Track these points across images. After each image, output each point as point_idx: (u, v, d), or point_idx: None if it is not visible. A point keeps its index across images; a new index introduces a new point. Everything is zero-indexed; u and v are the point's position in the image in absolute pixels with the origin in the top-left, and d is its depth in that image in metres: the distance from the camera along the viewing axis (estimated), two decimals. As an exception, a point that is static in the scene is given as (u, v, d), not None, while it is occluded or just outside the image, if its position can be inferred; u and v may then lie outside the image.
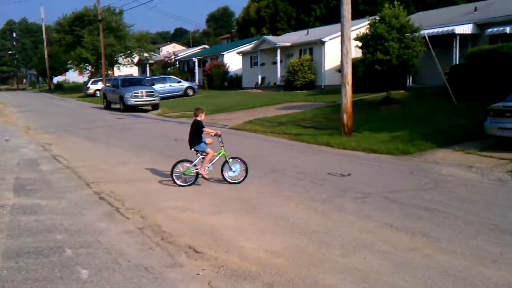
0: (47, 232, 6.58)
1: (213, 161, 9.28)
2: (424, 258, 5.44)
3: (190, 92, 38.02)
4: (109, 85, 33.46)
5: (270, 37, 40.33)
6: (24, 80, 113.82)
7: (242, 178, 9.30)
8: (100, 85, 43.55)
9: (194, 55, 54.63)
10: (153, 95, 28.69)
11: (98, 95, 43.10)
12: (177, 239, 6.26)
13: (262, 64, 39.21)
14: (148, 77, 43.62)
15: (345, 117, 14.75)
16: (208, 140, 9.41)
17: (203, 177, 9.27)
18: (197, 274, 5.20)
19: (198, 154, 9.23)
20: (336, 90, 20.26)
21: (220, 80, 43.73)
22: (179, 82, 38.53)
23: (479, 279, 4.85)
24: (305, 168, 10.64)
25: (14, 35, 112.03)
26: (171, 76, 40.89)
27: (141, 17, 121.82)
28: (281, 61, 36.95)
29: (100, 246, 6.05)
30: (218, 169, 9.36)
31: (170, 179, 9.25)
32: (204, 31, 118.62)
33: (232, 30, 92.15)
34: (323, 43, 32.87)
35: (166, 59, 55.46)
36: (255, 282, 4.96)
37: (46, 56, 72.82)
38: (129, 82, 31.06)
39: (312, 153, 12.82)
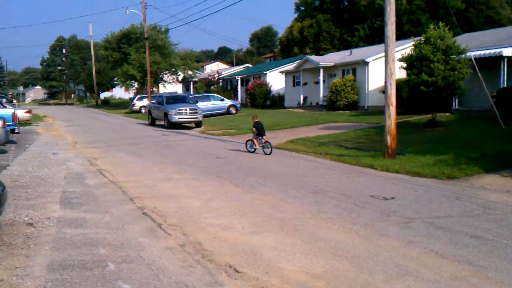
0: (91, 246, 6.70)
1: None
2: (471, 287, 5.26)
3: (233, 110, 38.38)
4: (154, 102, 34.17)
5: (313, 57, 40.40)
6: (73, 95, 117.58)
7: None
8: (145, 102, 44.50)
9: (237, 73, 55.18)
10: (196, 113, 29.12)
11: (143, 111, 43.99)
12: (217, 258, 6.28)
13: (305, 84, 39.24)
14: (192, 94, 44.28)
15: (388, 139, 14.55)
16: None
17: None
18: (237, 294, 5.18)
19: (261, 138, 16.81)
20: (380, 111, 20.07)
21: (262, 99, 43.99)
22: (222, 100, 38.96)
23: (530, 312, 4.65)
24: (347, 190, 10.52)
25: (64, 51, 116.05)
26: (214, 94, 41.40)
27: (186, 35, 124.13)
28: (323, 81, 36.90)
29: (142, 262, 6.11)
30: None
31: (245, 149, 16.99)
32: (248, 50, 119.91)
33: (275, 50, 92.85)
34: (366, 63, 32.70)
35: (209, 77, 56.23)
36: (296, 305, 4.90)
37: (94, 72, 75.07)
38: (174, 99, 31.63)
39: (354, 174, 12.68)
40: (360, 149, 16.68)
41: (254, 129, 17.02)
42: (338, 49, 52.14)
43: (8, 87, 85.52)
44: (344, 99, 32.91)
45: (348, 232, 7.36)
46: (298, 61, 41.11)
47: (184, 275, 5.67)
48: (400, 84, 21.34)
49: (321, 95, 36.73)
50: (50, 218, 8.11)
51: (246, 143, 17.61)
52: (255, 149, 17.02)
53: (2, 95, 47.31)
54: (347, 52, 40.91)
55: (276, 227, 7.70)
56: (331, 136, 20.52)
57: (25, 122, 31.35)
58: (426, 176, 11.99)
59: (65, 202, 9.39)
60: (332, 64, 36.44)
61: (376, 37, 52.77)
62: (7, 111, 22.35)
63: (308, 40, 58.63)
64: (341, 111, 32.42)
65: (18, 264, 5.92)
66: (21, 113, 29.77)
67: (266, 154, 16.46)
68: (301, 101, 39.33)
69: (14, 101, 47.14)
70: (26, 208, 8.77)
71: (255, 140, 16.99)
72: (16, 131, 22.31)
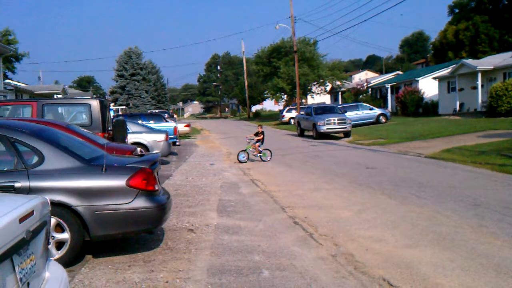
0: (246, 252, 6.96)
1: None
2: None
3: (383, 119, 37.51)
4: (303, 113, 34.69)
5: (470, 61, 38.04)
6: (226, 109, 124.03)
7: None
8: (294, 113, 45.41)
9: (387, 81, 53.86)
10: (345, 123, 28.96)
11: (292, 122, 44.88)
12: (370, 270, 6.15)
13: (461, 89, 37.05)
14: (340, 104, 44.16)
15: (560, 147, 13.14)
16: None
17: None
18: (392, 308, 5.03)
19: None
20: (549, 116, 18.19)
21: (414, 107, 42.36)
22: (371, 109, 38.29)
23: None
24: (511, 203, 9.68)
25: (218, 68, 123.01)
26: (363, 103, 40.83)
27: (334, 46, 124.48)
28: (482, 85, 34.54)
29: (295, 270, 6.20)
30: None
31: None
32: (398, 57, 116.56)
33: (427, 55, 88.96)
34: (532, 65, 29.95)
35: (358, 87, 55.62)
36: (456, 324, 4.61)
37: (246, 87, 78.42)
38: (322, 110, 31.84)
39: (520, 186, 11.63)
40: (526, 159, 15.27)
41: (260, 137, 18.77)
42: (498, 52, 48.40)
43: (169, 103, 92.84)
44: (506, 104, 30.43)
45: (514, 249, 6.76)
46: (453, 66, 39.00)
47: (336, 286, 5.64)
48: None
49: (479, 101, 34.40)
50: (209, 225, 8.59)
51: (238, 154, 18.45)
52: (248, 159, 18.42)
53: (165, 110, 51.46)
54: (508, 54, 37.82)
55: (432, 240, 7.33)
56: (492, 145, 19.05)
57: (185, 135, 33.73)
58: None
59: (222, 210, 9.89)
60: (491, 67, 33.97)
61: (542, 35, 48.14)
62: (169, 125, 24.26)
63: (463, 43, 55.36)
64: (503, 117, 29.99)
65: (181, 267, 6.35)
66: (181, 127, 32.05)
67: (264, 161, 18.33)
68: (457, 108, 37.18)
69: (175, 116, 50.97)
70: (187, 215, 9.41)
71: (256, 148, 18.63)
72: (177, 143, 24.08)
